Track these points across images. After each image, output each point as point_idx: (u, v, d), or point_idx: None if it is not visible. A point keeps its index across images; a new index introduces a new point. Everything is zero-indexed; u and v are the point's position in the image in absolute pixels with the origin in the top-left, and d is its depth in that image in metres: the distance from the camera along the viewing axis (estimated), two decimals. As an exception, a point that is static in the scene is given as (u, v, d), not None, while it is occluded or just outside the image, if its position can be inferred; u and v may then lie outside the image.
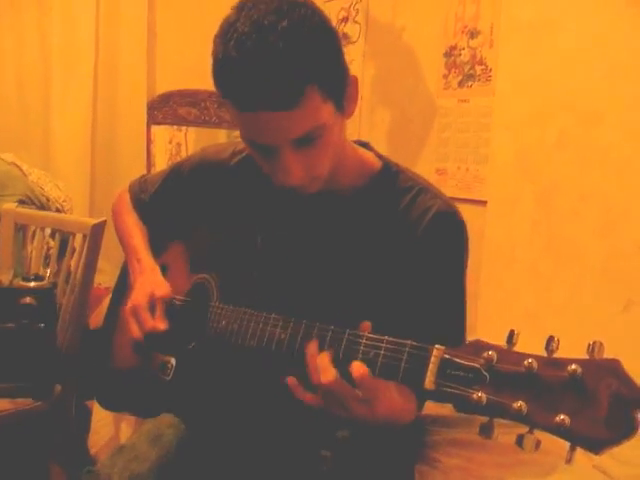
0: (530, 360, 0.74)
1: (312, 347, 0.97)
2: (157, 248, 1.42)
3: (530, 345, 0.80)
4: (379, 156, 1.23)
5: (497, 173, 2.36)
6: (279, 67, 0.94)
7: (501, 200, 2.34)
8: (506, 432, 0.76)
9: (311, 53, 0.96)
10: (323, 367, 0.93)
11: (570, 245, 2.07)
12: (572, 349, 0.76)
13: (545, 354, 0.75)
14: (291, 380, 0.97)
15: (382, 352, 0.89)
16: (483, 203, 2.40)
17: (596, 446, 0.69)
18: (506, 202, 2.31)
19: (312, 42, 0.97)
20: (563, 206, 2.10)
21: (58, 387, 1.85)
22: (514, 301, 2.23)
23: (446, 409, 1.50)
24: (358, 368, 0.89)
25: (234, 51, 0.96)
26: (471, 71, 2.48)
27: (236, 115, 1.01)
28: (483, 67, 2.43)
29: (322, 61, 0.98)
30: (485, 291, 2.34)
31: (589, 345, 0.72)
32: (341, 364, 0.93)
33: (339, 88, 1.04)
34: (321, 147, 1.03)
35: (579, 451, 1.44)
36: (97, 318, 2.07)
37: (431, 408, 1.43)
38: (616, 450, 1.41)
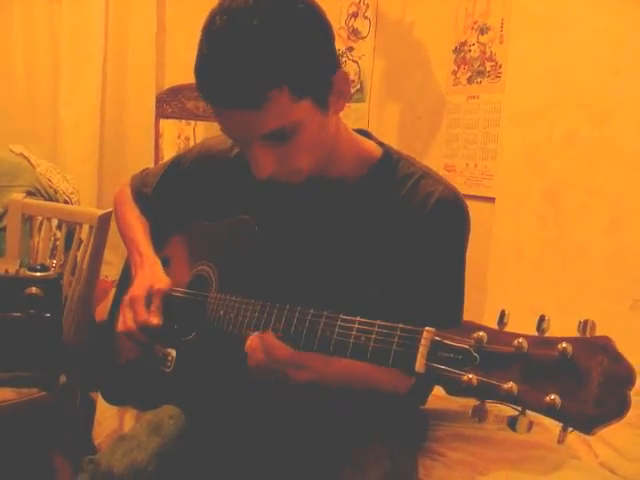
0: (520, 340, 0.72)
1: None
2: (160, 241, 1.41)
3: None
4: (380, 144, 1.22)
5: (505, 169, 2.35)
6: (245, 68, 0.94)
7: (509, 196, 2.33)
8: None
9: (282, 54, 0.95)
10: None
11: (577, 242, 2.06)
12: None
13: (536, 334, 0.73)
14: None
15: (373, 336, 0.88)
16: (491, 199, 2.39)
17: (587, 426, 0.67)
18: (514, 198, 2.30)
19: (285, 42, 0.96)
20: (571, 203, 2.09)
21: (63, 377, 1.85)
22: (521, 297, 2.22)
23: (451, 403, 1.49)
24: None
25: (206, 46, 0.98)
26: (481, 67, 2.47)
27: (209, 108, 1.03)
28: (493, 63, 2.42)
29: (296, 62, 0.97)
30: (492, 286, 2.32)
31: (579, 323, 0.70)
32: (335, 350, 0.92)
33: (320, 86, 1.03)
34: (297, 143, 1.03)
35: (585, 450, 1.43)
36: (103, 311, 2.07)
37: (435, 402, 1.42)
38: (623, 447, 1.41)
